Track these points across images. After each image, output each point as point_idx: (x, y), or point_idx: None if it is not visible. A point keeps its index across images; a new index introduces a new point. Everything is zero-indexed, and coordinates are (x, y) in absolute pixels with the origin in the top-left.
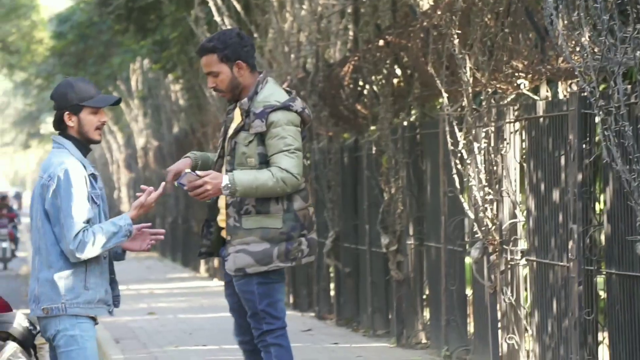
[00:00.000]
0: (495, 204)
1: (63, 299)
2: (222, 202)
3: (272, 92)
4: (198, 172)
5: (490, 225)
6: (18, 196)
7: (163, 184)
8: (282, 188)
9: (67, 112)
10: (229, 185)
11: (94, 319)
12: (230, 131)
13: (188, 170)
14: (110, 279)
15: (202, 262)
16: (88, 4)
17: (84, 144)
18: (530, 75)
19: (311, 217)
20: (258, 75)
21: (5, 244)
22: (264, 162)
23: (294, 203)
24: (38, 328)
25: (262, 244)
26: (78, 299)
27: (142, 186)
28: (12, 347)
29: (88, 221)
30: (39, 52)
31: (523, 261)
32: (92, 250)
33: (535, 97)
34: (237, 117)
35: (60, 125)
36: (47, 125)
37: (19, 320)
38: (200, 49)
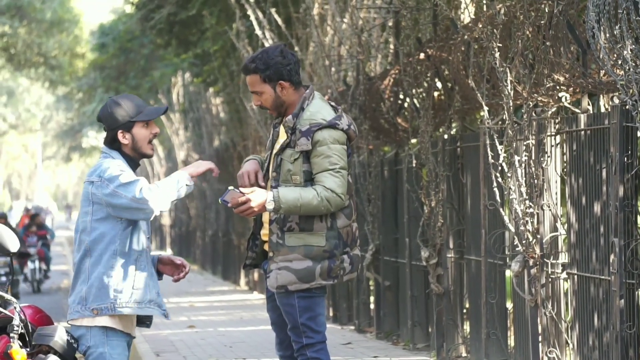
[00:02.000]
0: (536, 217)
1: (112, 298)
2: (265, 217)
3: (319, 109)
4: (242, 189)
5: (531, 238)
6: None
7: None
8: (326, 207)
9: (120, 131)
10: (273, 202)
11: (129, 335)
12: (277, 147)
13: (232, 187)
14: None
15: (242, 275)
16: (130, 18)
17: (133, 160)
18: (571, 89)
19: (354, 234)
20: (304, 90)
21: (34, 265)
22: (309, 179)
23: (338, 221)
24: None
25: (304, 262)
26: (127, 298)
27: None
28: None
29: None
30: (81, 67)
31: (564, 274)
32: (160, 193)
33: (577, 110)
34: (282, 133)
35: (113, 143)
36: (88, 139)
37: (60, 334)
38: (244, 68)
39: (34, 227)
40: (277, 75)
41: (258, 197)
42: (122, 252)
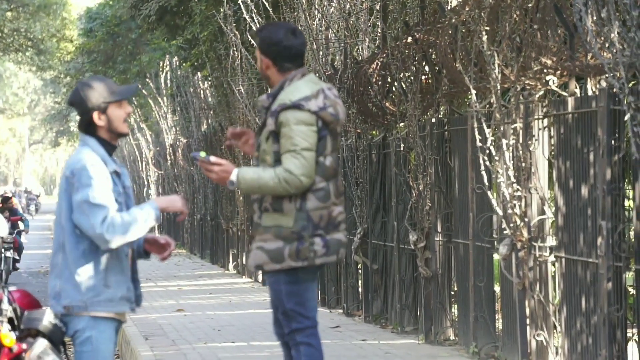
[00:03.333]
0: (523, 200)
1: (84, 296)
2: (254, 196)
3: (293, 90)
4: (212, 158)
5: (518, 221)
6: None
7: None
8: (285, 189)
9: (96, 112)
10: (234, 181)
11: (119, 321)
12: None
13: (204, 153)
14: (132, 277)
15: (231, 259)
16: (117, 1)
17: (109, 142)
18: (559, 72)
19: (333, 218)
20: (290, 74)
21: (9, 253)
22: (279, 161)
23: (307, 202)
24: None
25: (276, 242)
26: (99, 297)
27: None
28: (42, 343)
29: (111, 209)
30: (69, 50)
31: (552, 258)
32: (121, 234)
33: (564, 94)
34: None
35: (88, 127)
36: (76, 123)
37: (49, 317)
38: (257, 29)
39: (6, 212)
40: (263, 48)
41: (222, 171)
42: (94, 249)
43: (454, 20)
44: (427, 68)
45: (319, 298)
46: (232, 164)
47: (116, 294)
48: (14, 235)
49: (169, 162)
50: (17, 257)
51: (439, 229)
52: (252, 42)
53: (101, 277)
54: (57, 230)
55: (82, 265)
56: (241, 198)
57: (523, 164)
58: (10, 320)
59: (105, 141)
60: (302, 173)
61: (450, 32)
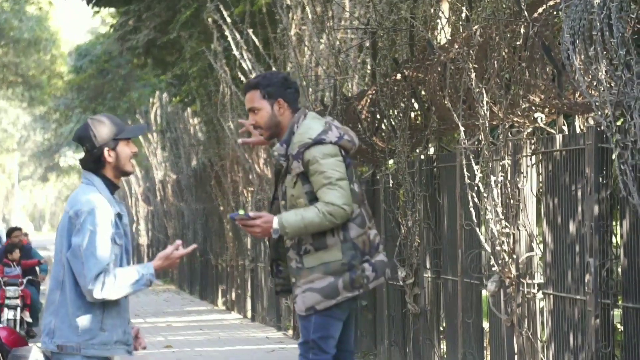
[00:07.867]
0: (511, 237)
1: (79, 338)
2: (288, 243)
3: (306, 130)
4: (250, 214)
5: (506, 258)
6: None
7: (193, 246)
8: (331, 221)
9: (106, 148)
10: (278, 229)
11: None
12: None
13: (242, 211)
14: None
15: (220, 295)
16: (107, 38)
17: (112, 182)
18: (547, 109)
19: (372, 241)
20: (294, 116)
21: (12, 314)
22: (314, 199)
23: (350, 232)
24: None
25: (326, 279)
26: (93, 340)
27: (177, 242)
28: None
29: (108, 264)
30: (59, 86)
31: (540, 294)
32: (110, 293)
33: (552, 131)
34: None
35: (96, 164)
36: (65, 158)
37: (35, 355)
38: (245, 85)
39: (16, 252)
40: (277, 93)
41: (265, 222)
42: None
43: (442, 57)
44: (416, 105)
45: None
46: (270, 214)
47: (111, 337)
48: (22, 287)
49: (159, 198)
50: (31, 320)
51: (428, 265)
52: (242, 78)
53: (98, 320)
54: (57, 268)
55: (80, 305)
56: (230, 234)
57: (511, 201)
58: None
59: (109, 180)
60: (344, 202)
61: (439, 69)
